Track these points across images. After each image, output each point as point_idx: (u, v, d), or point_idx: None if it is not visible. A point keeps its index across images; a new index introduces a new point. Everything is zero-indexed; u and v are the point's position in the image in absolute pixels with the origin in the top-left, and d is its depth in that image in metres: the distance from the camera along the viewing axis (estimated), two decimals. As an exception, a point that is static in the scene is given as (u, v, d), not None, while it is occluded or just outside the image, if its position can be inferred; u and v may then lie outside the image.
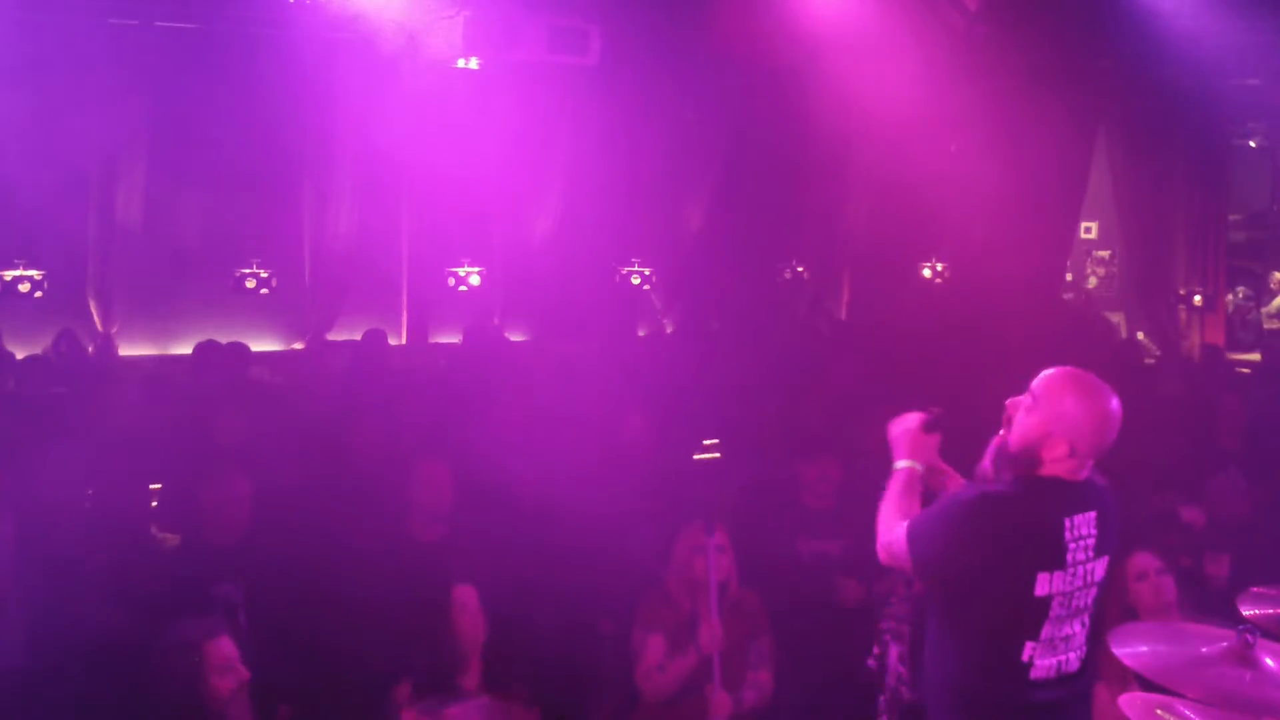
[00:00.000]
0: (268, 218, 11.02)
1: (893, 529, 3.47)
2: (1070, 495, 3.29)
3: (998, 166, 11.38)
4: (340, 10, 9.30)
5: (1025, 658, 3.26)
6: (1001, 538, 3.25)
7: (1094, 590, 3.34)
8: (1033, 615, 3.24)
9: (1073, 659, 3.32)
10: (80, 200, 10.19)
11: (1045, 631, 3.26)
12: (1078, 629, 3.32)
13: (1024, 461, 3.33)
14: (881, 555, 3.54)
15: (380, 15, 9.32)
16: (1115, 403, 3.32)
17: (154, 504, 6.20)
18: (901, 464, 3.59)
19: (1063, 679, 3.31)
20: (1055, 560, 3.23)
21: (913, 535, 3.37)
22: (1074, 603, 3.28)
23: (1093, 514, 3.30)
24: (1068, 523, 3.26)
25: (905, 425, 3.61)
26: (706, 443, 9.71)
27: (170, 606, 4.38)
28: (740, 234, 12.94)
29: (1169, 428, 7.69)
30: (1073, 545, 3.25)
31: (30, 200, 9.29)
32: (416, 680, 4.43)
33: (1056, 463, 3.29)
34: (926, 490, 3.60)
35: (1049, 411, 3.29)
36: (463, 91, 10.29)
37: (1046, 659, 3.28)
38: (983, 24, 10.67)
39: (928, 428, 3.57)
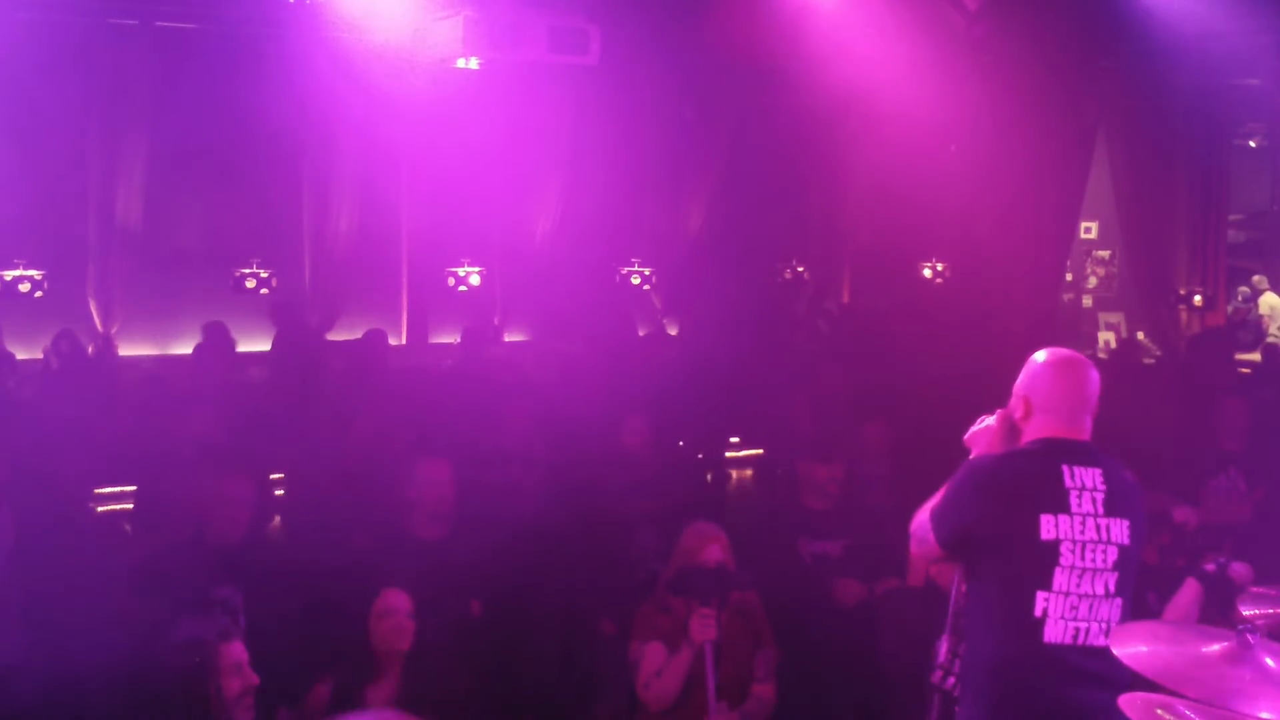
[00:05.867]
0: (268, 218, 11.03)
1: (919, 516, 3.60)
2: (1068, 449, 3.44)
3: (998, 166, 11.38)
4: (340, 10, 9.30)
5: (1038, 612, 3.31)
6: (999, 486, 3.41)
7: (1115, 551, 3.38)
8: (1041, 560, 3.32)
9: (1094, 630, 3.34)
10: (80, 200, 10.20)
11: (1059, 581, 3.32)
12: (1100, 591, 3.35)
13: (1010, 434, 3.56)
14: (914, 551, 3.68)
15: (380, 15, 9.31)
16: (1081, 365, 3.53)
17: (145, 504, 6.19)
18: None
19: (1082, 651, 3.32)
20: (1058, 503, 3.35)
21: (935, 514, 3.52)
22: (1090, 555, 3.34)
23: (1098, 470, 3.42)
24: (1066, 469, 3.39)
25: (987, 424, 3.69)
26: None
27: (171, 608, 4.37)
28: (740, 234, 12.95)
29: (1169, 428, 7.70)
30: (1075, 492, 3.37)
31: (30, 200, 9.29)
32: (336, 685, 4.37)
33: (1029, 422, 3.49)
34: None
35: (1018, 382, 3.57)
36: (463, 91, 10.30)
37: (1064, 619, 3.31)
38: (983, 24, 10.67)
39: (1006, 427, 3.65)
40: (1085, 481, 3.38)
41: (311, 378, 8.68)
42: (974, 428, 3.71)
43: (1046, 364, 3.53)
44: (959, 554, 3.54)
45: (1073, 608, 3.32)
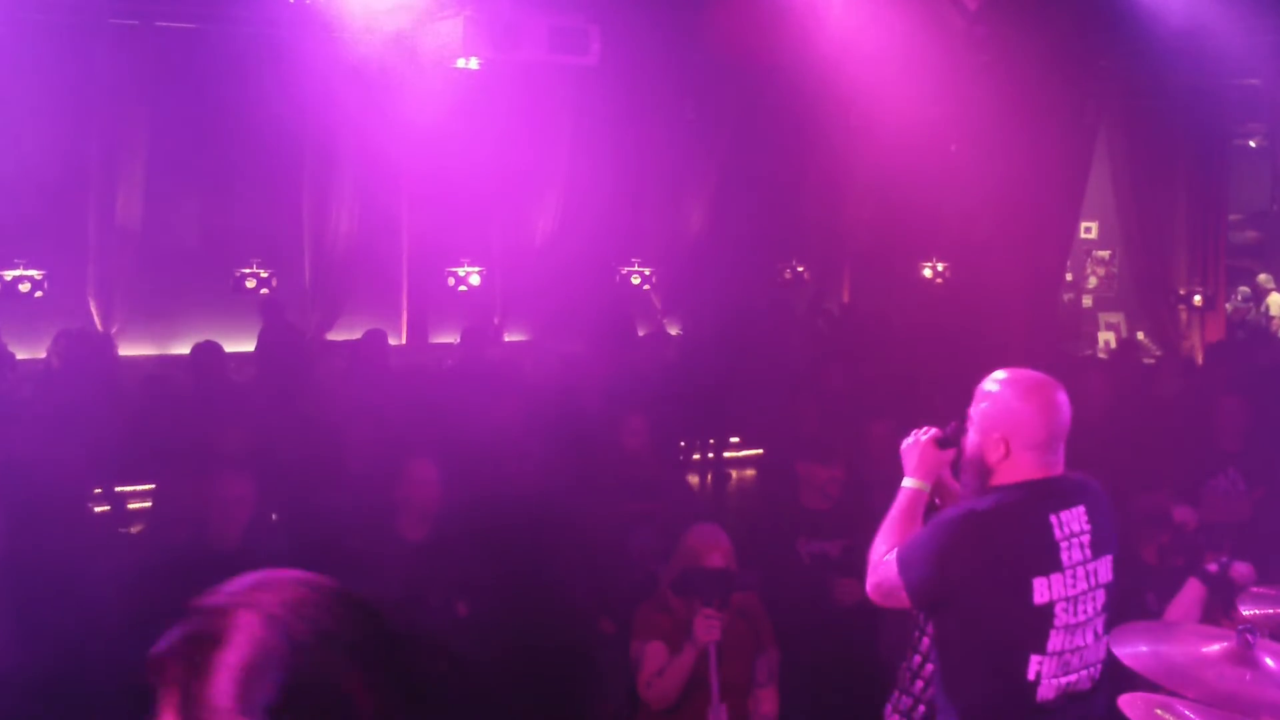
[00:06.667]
0: (268, 218, 11.03)
1: (880, 564, 3.32)
2: (1050, 492, 3.20)
3: (998, 166, 11.37)
4: (340, 10, 9.30)
5: (1031, 675, 3.12)
6: (989, 548, 3.14)
7: (1102, 594, 3.21)
8: (1035, 626, 3.12)
9: (1084, 678, 3.19)
10: (80, 200, 10.20)
11: (1053, 643, 3.13)
12: (1090, 639, 3.19)
13: (978, 470, 3.26)
14: (873, 595, 3.37)
15: (381, 15, 9.32)
16: (1052, 391, 3.23)
17: (149, 504, 6.18)
18: (909, 484, 3.41)
19: (1070, 698, 3.18)
20: (1050, 563, 3.13)
21: (903, 564, 3.24)
22: (1081, 608, 3.16)
23: (1081, 508, 3.20)
24: (1054, 520, 3.16)
25: (917, 440, 3.45)
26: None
27: (168, 610, 4.36)
28: (740, 234, 12.95)
29: (1169, 428, 7.69)
30: (1065, 544, 3.15)
31: (30, 200, 9.29)
32: None
33: (1006, 462, 3.20)
34: (933, 512, 3.41)
35: (985, 413, 3.25)
36: (463, 91, 10.30)
37: (1056, 678, 3.15)
38: (983, 24, 10.67)
39: (942, 444, 3.41)
40: (1073, 527, 3.17)
41: (296, 375, 8.68)
42: (905, 442, 3.47)
43: (1020, 395, 3.21)
44: (928, 609, 3.31)
45: (1065, 664, 3.15)
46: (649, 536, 5.85)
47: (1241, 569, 4.53)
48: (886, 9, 10.03)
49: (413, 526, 5.35)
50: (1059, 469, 3.24)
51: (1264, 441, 6.88)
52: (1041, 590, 3.12)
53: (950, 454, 3.42)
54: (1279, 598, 3.70)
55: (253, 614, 1.47)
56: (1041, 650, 3.12)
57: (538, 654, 5.36)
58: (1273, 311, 15.08)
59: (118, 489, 7.05)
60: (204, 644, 1.48)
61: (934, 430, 3.43)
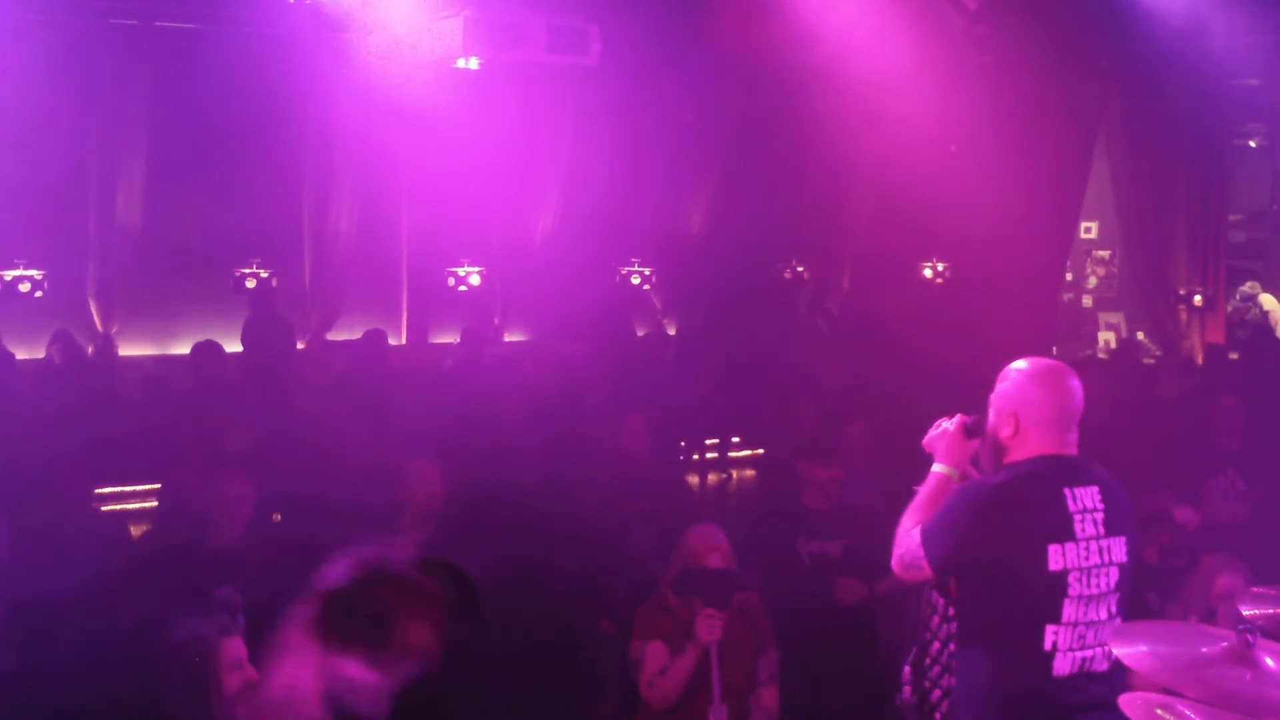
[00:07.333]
0: (268, 218, 11.03)
1: (905, 537, 3.47)
2: (1064, 468, 3.36)
3: (998, 166, 11.37)
4: (340, 10, 9.30)
5: (1048, 645, 3.25)
6: (1005, 516, 3.32)
7: (1116, 572, 3.34)
8: (1050, 593, 3.25)
9: (1099, 655, 3.29)
10: (80, 200, 10.21)
11: (1068, 613, 3.25)
12: (1104, 615, 3.31)
13: (993, 448, 3.47)
14: (896, 568, 3.51)
15: (380, 15, 9.32)
16: (1066, 375, 3.44)
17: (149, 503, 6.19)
18: (939, 468, 3.56)
19: (1088, 677, 3.27)
20: (1063, 531, 3.28)
21: (925, 536, 3.39)
22: (1095, 581, 3.28)
23: (1094, 488, 3.36)
24: (1068, 493, 3.32)
25: (945, 429, 3.59)
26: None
27: (170, 608, 4.36)
28: (740, 234, 12.95)
29: (1169, 428, 7.70)
30: (1079, 516, 3.30)
31: (30, 200, 9.30)
32: None
33: (1017, 439, 3.39)
34: None
35: (1001, 393, 3.46)
36: (463, 91, 10.30)
37: (1072, 651, 3.26)
38: (983, 24, 10.67)
39: (969, 432, 3.55)
40: (1086, 503, 3.31)
41: (282, 365, 8.66)
42: (932, 432, 3.61)
43: (1031, 377, 3.42)
44: (955, 578, 3.44)
45: (1080, 637, 3.26)
46: (649, 536, 5.85)
47: (1184, 513, 4.64)
48: (886, 9, 10.03)
49: (413, 527, 5.35)
50: (1072, 450, 3.41)
51: (1264, 441, 6.89)
52: (1056, 557, 3.27)
53: (976, 443, 3.58)
54: (1279, 598, 3.69)
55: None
56: (1056, 620, 3.26)
57: (537, 654, 5.36)
58: (1267, 307, 15.07)
59: (118, 489, 7.06)
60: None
61: (961, 417, 3.57)
